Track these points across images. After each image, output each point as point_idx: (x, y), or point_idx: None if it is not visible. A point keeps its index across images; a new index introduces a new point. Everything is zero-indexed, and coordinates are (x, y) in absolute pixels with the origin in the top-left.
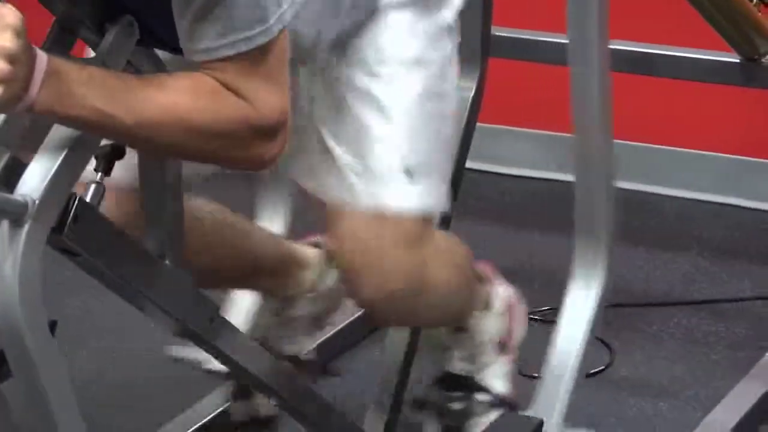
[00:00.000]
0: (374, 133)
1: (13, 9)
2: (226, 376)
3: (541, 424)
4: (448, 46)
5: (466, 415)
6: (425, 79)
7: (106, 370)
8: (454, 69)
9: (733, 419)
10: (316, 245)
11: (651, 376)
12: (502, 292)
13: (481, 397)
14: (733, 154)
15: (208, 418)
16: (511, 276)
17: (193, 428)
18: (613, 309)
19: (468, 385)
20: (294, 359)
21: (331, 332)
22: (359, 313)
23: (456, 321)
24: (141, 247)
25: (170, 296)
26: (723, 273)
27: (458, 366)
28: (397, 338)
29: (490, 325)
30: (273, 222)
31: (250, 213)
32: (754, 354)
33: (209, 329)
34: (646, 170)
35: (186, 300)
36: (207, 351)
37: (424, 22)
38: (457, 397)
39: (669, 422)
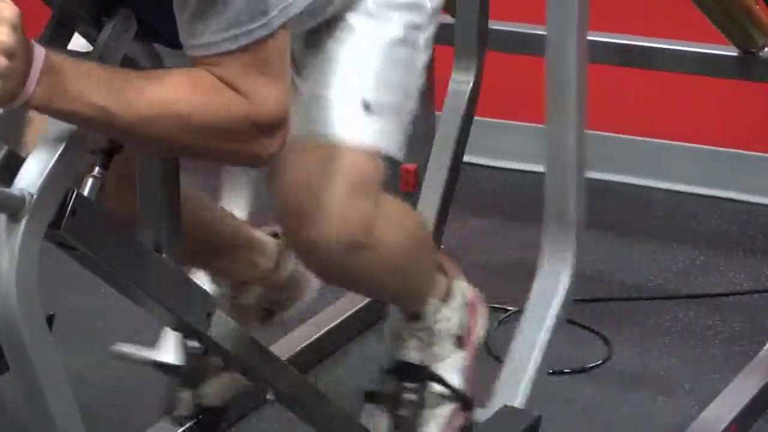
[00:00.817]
0: (338, 63)
1: (10, 3)
2: (176, 368)
3: (538, 419)
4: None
5: (418, 405)
6: (403, 23)
7: (103, 363)
8: (429, 33)
9: (731, 413)
10: (274, 234)
11: (648, 370)
12: (464, 287)
13: (434, 388)
14: (730, 148)
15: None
16: (508, 269)
17: (189, 424)
18: (610, 303)
19: (421, 374)
20: None
21: (332, 325)
22: (357, 308)
23: (408, 299)
24: (138, 241)
25: (168, 290)
26: (720, 267)
27: (413, 355)
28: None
29: (447, 317)
30: (234, 209)
31: (213, 198)
32: (751, 347)
33: (207, 324)
34: (642, 164)
35: (184, 294)
36: (204, 345)
37: None
38: (410, 387)
39: (666, 416)
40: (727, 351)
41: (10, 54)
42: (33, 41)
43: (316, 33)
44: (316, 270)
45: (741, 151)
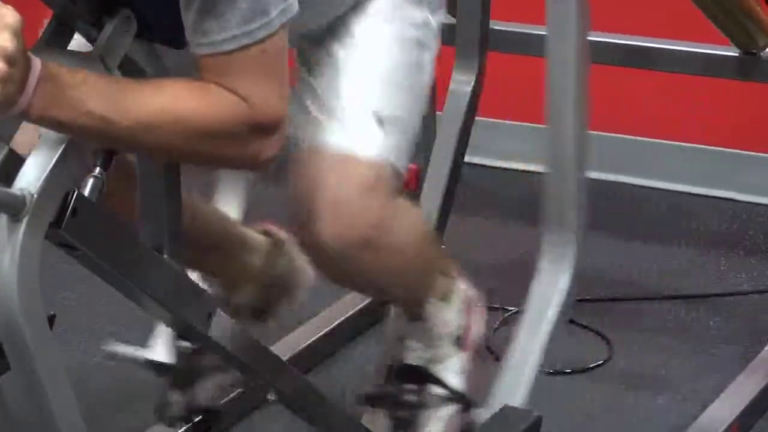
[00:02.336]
0: (348, 73)
1: (13, 10)
2: (167, 367)
3: (539, 419)
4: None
5: (418, 407)
6: (407, 26)
7: (103, 363)
8: (433, 53)
9: (732, 413)
10: (266, 233)
11: (649, 370)
12: (463, 289)
13: (435, 390)
14: (730, 148)
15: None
16: (508, 269)
17: (190, 424)
18: (610, 303)
19: (423, 376)
20: None
21: (332, 325)
22: (358, 307)
23: (410, 299)
24: (139, 242)
25: (168, 291)
26: (720, 267)
27: (414, 357)
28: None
29: (447, 317)
30: (228, 208)
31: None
32: (752, 348)
33: (207, 324)
34: (643, 164)
35: (184, 295)
36: (205, 345)
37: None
38: (410, 389)
39: (667, 416)
40: (728, 351)
41: (11, 60)
42: (29, 52)
43: (325, 36)
44: (325, 268)
45: (741, 151)
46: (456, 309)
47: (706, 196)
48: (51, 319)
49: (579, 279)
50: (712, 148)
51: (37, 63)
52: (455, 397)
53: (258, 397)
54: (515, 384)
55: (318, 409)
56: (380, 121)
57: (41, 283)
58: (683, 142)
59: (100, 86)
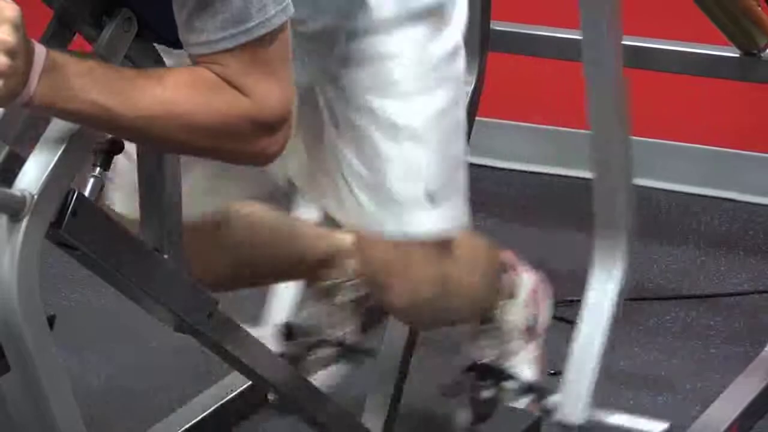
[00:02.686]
0: (392, 158)
1: (12, 3)
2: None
3: (539, 419)
4: (460, 64)
5: (495, 402)
6: (441, 96)
7: (104, 364)
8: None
9: (732, 413)
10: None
11: (649, 370)
12: (526, 279)
13: (509, 384)
14: (731, 148)
15: (206, 413)
16: None
17: (190, 424)
18: None
19: (496, 373)
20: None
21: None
22: None
23: (483, 315)
24: (140, 242)
25: (169, 290)
26: (720, 267)
27: (486, 355)
28: (396, 331)
29: (515, 314)
30: (310, 209)
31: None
32: (752, 348)
33: (207, 323)
34: (644, 164)
35: (184, 294)
36: (205, 345)
37: (435, 44)
38: (486, 385)
39: (667, 416)
40: (727, 351)
41: (12, 53)
42: (34, 40)
43: (355, 114)
44: (406, 322)
45: (741, 151)
46: (521, 302)
47: (706, 196)
48: (51, 319)
49: (578, 279)
50: (712, 148)
51: (41, 53)
52: (529, 388)
53: (258, 397)
54: (576, 398)
55: (317, 409)
56: (432, 199)
57: (41, 284)
58: (683, 142)
59: (105, 76)
